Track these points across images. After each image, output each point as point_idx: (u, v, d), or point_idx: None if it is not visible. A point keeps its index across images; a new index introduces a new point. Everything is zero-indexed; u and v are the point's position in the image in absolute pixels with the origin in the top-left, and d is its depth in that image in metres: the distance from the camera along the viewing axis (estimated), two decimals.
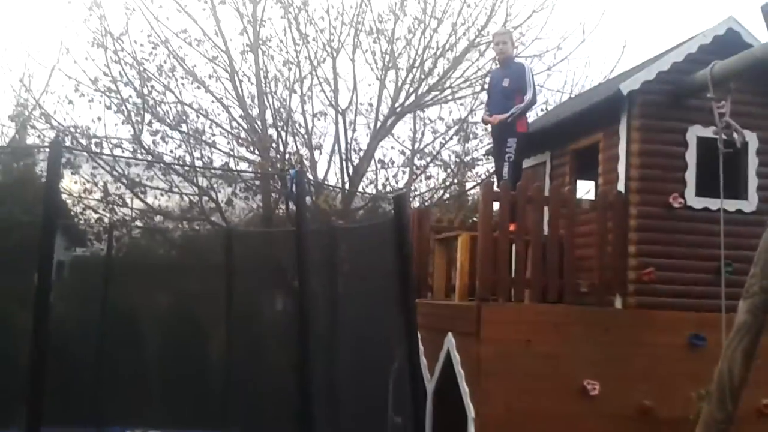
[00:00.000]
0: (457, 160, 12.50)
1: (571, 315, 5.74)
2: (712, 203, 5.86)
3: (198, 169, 10.68)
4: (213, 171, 10.68)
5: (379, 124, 12.01)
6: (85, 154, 9.12)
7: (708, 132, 5.59)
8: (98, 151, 10.49)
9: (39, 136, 10.77)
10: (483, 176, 12.24)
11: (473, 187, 12.68)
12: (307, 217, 5.30)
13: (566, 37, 11.97)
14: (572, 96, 11.37)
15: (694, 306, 5.83)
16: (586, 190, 8.77)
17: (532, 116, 8.22)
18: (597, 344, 5.63)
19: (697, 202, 6.01)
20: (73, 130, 10.63)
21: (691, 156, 6.03)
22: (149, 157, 10.44)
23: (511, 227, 5.93)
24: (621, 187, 6.06)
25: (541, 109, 11.75)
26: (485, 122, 7.07)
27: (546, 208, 6.02)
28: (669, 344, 5.69)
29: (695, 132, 6.02)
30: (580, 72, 11.82)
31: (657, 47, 20.61)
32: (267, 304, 11.10)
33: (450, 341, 6.07)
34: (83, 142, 10.65)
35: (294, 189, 5.19)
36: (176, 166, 10.56)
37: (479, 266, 5.82)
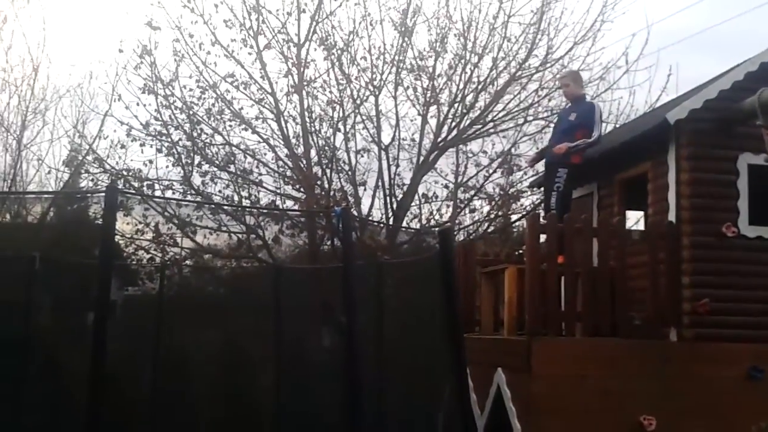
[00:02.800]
0: (501, 192, 12.46)
1: (624, 349, 5.63)
2: (766, 232, 5.72)
3: (245, 208, 10.88)
4: (260, 210, 10.86)
5: (421, 158, 12.08)
6: (137, 196, 9.39)
7: (759, 159, 5.48)
8: (150, 193, 10.80)
9: (92, 180, 11.16)
10: (528, 208, 12.17)
11: (518, 220, 12.61)
12: (354, 254, 5.33)
13: (609, 67, 11.91)
14: (617, 126, 11.27)
15: (750, 337, 5.67)
16: (635, 220, 8.65)
17: None
18: (652, 378, 5.50)
19: (750, 231, 5.88)
20: (125, 173, 10.99)
21: (742, 184, 5.92)
22: (199, 198, 10.69)
23: (559, 259, 5.87)
24: (672, 216, 5.96)
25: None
26: (555, 152, 6.74)
27: (595, 240, 5.96)
28: (727, 377, 5.53)
29: (746, 159, 5.92)
30: (625, 101, 11.75)
31: (703, 75, 20.30)
32: (314, 341, 11.14)
33: (500, 377, 6.00)
34: (135, 184, 10.98)
35: (340, 226, 5.25)
36: (225, 206, 10.79)
37: (528, 300, 5.76)
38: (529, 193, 12.09)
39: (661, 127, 5.99)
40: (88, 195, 7.46)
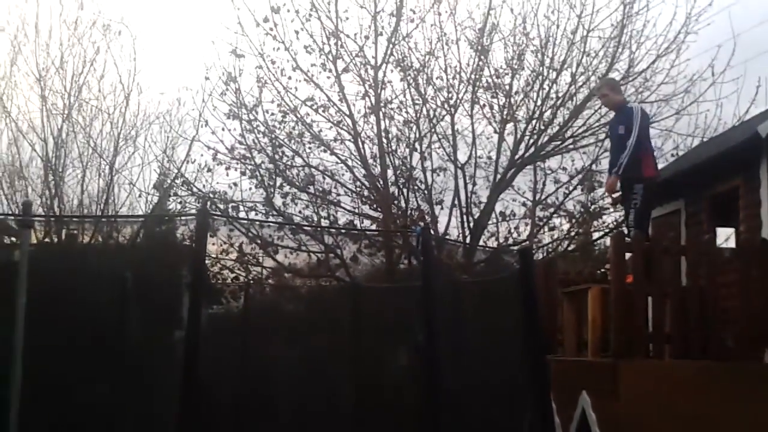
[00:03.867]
0: (582, 210, 12.20)
1: (716, 371, 5.38)
2: None
3: (325, 228, 11.09)
4: (339, 229, 11.05)
5: (498, 176, 12.00)
6: (224, 218, 9.74)
7: None
8: (235, 214, 11.15)
9: (180, 203, 11.65)
10: (611, 226, 11.86)
11: (600, 238, 12.30)
12: (434, 273, 5.33)
13: (695, 79, 11.51)
14: (704, 140, 10.86)
15: None
16: (724, 237, 8.29)
17: (662, 161, 7.92)
18: (746, 402, 5.23)
19: None
20: (212, 195, 11.41)
21: None
22: (280, 219, 10.97)
23: (628, 279, 5.65)
24: (765, 233, 5.70)
25: (672, 155, 11.31)
26: (607, 191, 6.59)
27: (683, 258, 5.75)
28: None
29: None
30: (712, 114, 11.22)
31: None
32: (391, 359, 11.16)
33: (585, 400, 5.84)
34: (221, 206, 11.38)
35: (420, 245, 5.26)
36: (306, 227, 11.04)
37: (614, 320, 5.60)
38: (611, 210, 11.79)
39: (752, 140, 5.76)
40: (179, 218, 7.81)
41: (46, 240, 11.65)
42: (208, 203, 11.07)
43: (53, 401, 6.76)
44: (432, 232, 11.17)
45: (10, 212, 11.58)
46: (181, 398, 4.20)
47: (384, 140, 11.71)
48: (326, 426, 9.05)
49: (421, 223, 10.17)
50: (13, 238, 11.04)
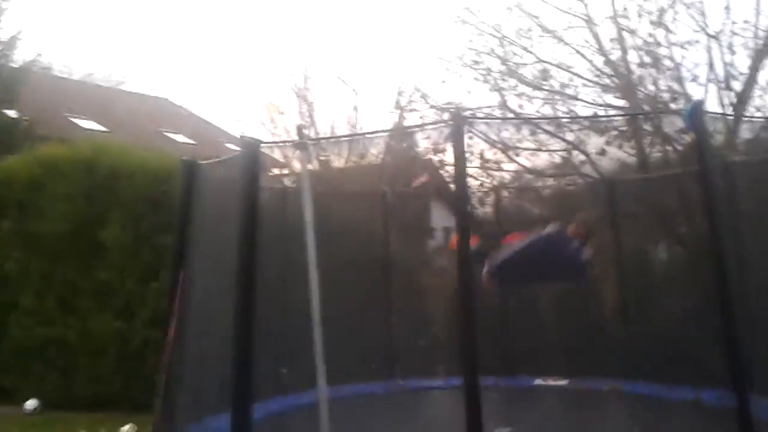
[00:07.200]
0: None
1: None
2: None
3: (566, 120, 10.68)
4: (581, 121, 10.57)
5: (760, 41, 10.51)
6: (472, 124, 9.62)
7: None
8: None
9: (421, 117, 11.92)
10: None
11: None
12: (709, 154, 4.87)
13: None
14: None
15: None
16: None
17: None
18: None
19: None
20: (448, 106, 11.50)
21: None
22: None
23: None
24: None
25: None
26: None
27: None
28: None
29: None
30: None
31: None
32: (653, 252, 10.69)
33: None
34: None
35: (693, 124, 4.82)
36: (544, 124, 10.71)
37: None
38: None
39: None
40: (434, 127, 8.00)
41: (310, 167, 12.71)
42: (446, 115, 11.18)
43: (341, 324, 7.50)
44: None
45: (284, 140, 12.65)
46: (461, 297, 4.39)
47: (620, 19, 10.79)
48: (593, 325, 9.00)
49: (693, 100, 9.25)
50: (279, 170, 12.20)
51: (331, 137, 13.50)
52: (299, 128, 6.55)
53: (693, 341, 7.03)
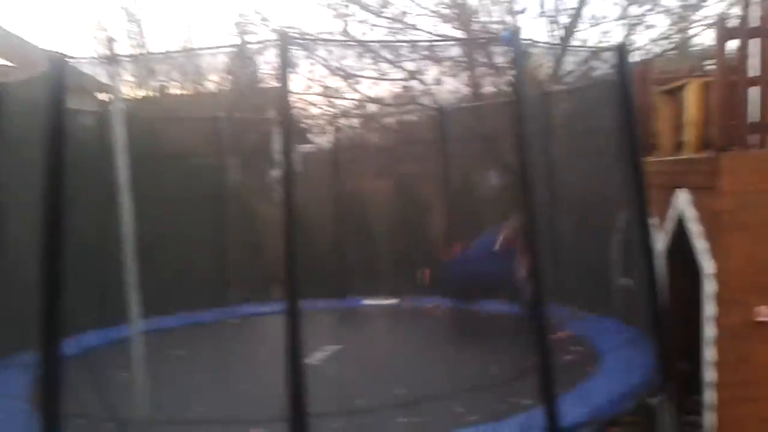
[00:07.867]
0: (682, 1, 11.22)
1: None
2: None
3: (405, 45, 10.77)
4: (420, 51, 10.71)
5: None
6: (301, 51, 9.49)
7: None
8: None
9: (260, 42, 11.50)
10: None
11: (703, 31, 11.37)
12: (525, 82, 5.06)
13: None
14: None
15: None
16: None
17: None
18: None
19: None
20: (288, 29, 11.16)
21: None
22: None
23: None
24: None
25: None
26: None
27: None
28: None
29: None
30: None
31: None
32: (482, 179, 11.23)
33: (682, 197, 5.74)
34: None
35: (511, 50, 4.91)
36: (385, 51, 10.74)
37: (717, 112, 5.33)
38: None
39: None
40: (261, 47, 7.72)
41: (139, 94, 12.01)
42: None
43: (161, 254, 7.32)
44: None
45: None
46: (284, 229, 4.40)
47: None
48: (421, 246, 9.43)
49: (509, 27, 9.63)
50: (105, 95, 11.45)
51: (149, 53, 12.74)
52: (109, 40, 6.10)
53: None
